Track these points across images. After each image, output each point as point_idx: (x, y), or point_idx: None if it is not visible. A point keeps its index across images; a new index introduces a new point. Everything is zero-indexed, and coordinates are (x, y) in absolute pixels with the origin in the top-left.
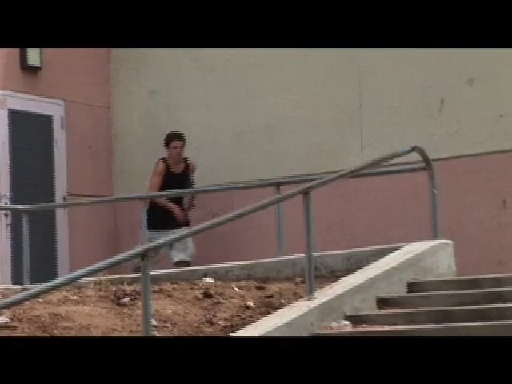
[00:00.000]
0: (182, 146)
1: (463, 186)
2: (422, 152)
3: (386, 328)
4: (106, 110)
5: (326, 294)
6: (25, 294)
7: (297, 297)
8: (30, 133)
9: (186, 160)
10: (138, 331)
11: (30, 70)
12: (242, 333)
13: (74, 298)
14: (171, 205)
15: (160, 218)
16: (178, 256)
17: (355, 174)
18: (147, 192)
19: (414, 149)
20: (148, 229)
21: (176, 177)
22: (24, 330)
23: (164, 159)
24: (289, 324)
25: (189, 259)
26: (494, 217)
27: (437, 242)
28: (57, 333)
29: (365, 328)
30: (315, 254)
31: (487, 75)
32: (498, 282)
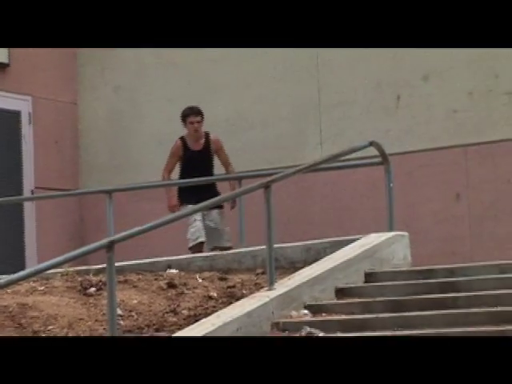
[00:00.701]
0: (200, 122)
1: (418, 179)
2: (378, 147)
3: (344, 317)
4: (72, 106)
5: (285, 284)
6: None
7: (258, 287)
8: (3, 131)
9: (207, 136)
10: (103, 320)
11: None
12: (204, 322)
13: (42, 288)
14: (170, 194)
15: (189, 193)
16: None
17: (314, 168)
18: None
19: (371, 143)
20: (187, 203)
21: (196, 154)
22: None
23: (182, 137)
24: (249, 314)
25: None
26: (448, 209)
27: (392, 233)
28: (24, 322)
29: (323, 317)
30: (275, 245)
31: (441, 72)
32: (451, 272)
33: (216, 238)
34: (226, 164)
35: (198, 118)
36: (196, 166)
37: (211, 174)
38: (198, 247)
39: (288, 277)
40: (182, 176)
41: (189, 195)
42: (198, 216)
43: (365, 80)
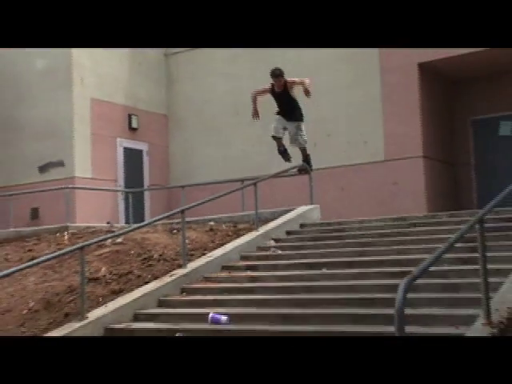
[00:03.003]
0: (276, 81)
1: (324, 181)
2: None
3: (290, 244)
4: (166, 147)
5: (264, 228)
6: (130, 228)
7: (251, 230)
8: (135, 159)
9: (285, 82)
10: (178, 245)
11: (133, 129)
12: (226, 246)
13: (152, 230)
14: (254, 105)
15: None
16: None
17: (276, 176)
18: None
19: (303, 164)
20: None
21: (278, 94)
22: (129, 245)
23: (272, 83)
24: (247, 242)
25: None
26: (338, 194)
27: (312, 206)
28: (144, 246)
29: (280, 243)
30: (259, 211)
31: (336, 133)
32: (339, 223)
33: (293, 141)
34: (301, 85)
35: (275, 79)
36: (281, 101)
37: (292, 105)
38: (277, 139)
39: (265, 225)
40: (278, 107)
41: (280, 113)
42: (279, 122)
43: None
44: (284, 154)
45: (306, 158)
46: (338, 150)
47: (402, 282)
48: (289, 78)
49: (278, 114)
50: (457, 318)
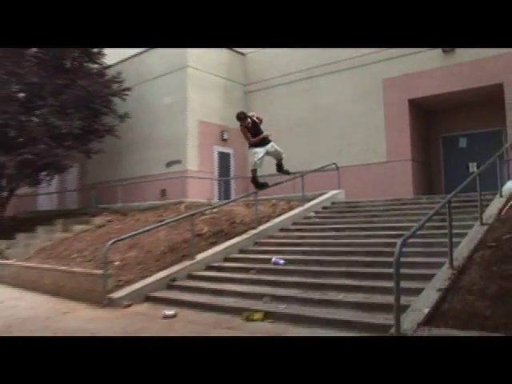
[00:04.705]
0: (240, 122)
1: (346, 174)
2: (335, 164)
3: (325, 215)
4: (243, 152)
5: (307, 205)
6: (221, 203)
7: (299, 206)
8: (225, 159)
9: (249, 118)
10: (252, 214)
11: (224, 140)
12: (283, 215)
13: (235, 205)
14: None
15: (256, 143)
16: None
17: (316, 171)
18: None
19: (334, 163)
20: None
21: (251, 127)
22: (221, 214)
23: (241, 125)
24: (296, 214)
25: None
26: (355, 183)
27: (339, 190)
28: (231, 214)
29: (319, 214)
30: (304, 193)
31: (351, 143)
32: (357, 202)
33: (275, 156)
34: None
35: (240, 122)
36: (255, 130)
37: (259, 131)
38: (254, 170)
39: (304, 205)
40: (253, 138)
41: (256, 145)
42: (260, 153)
43: (331, 144)
44: (261, 184)
45: (282, 168)
46: (355, 154)
47: (399, 241)
48: (249, 114)
49: (253, 145)
50: (431, 264)
